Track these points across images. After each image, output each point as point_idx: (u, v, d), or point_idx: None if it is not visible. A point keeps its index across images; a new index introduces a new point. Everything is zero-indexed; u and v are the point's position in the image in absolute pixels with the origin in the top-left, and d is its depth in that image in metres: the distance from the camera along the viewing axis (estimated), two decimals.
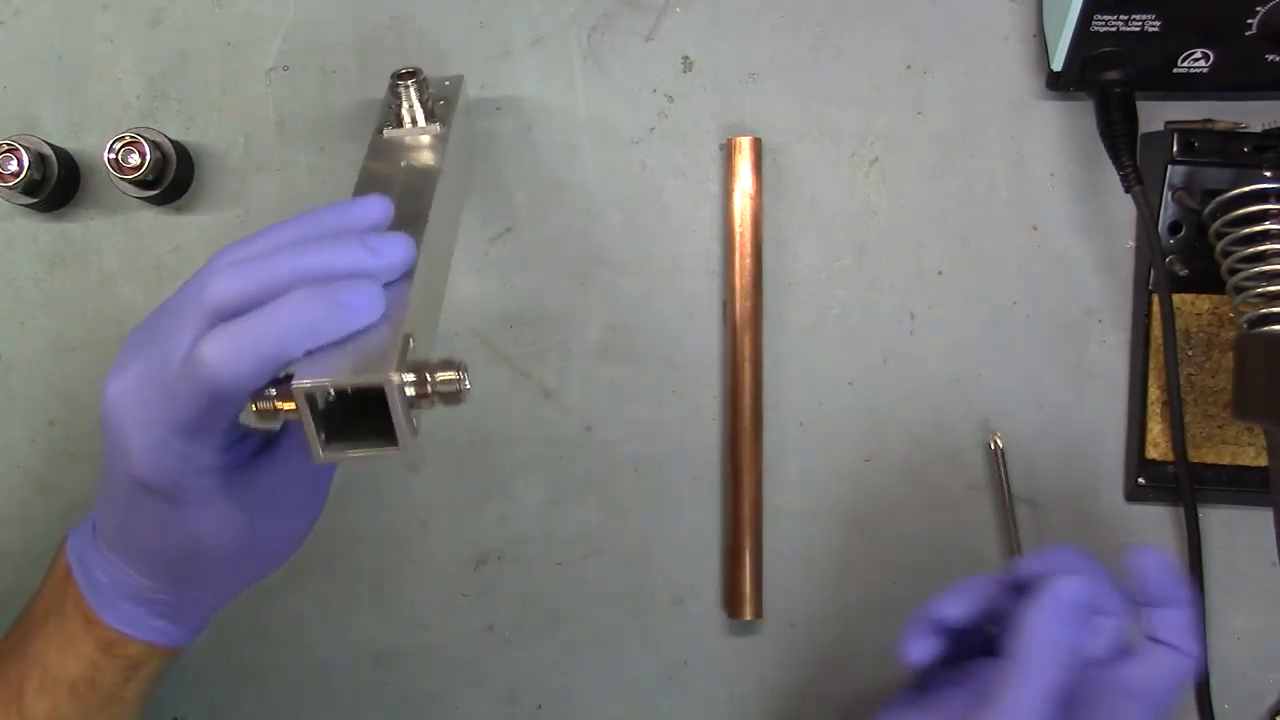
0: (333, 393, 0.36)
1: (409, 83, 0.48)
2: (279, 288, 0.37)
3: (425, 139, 0.48)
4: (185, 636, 0.45)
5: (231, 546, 0.41)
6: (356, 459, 0.37)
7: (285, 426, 0.42)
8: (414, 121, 0.48)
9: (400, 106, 0.48)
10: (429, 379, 0.37)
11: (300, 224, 0.40)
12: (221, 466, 0.39)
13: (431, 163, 0.47)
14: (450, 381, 0.37)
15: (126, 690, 0.44)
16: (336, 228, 0.40)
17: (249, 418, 0.38)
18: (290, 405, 0.36)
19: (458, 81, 0.52)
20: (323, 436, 0.36)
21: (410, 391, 0.36)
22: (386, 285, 0.39)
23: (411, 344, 0.38)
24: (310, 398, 0.35)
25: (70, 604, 0.43)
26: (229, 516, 0.40)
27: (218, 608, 0.45)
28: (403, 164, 0.47)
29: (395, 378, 0.35)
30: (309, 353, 0.36)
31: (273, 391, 0.37)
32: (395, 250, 0.39)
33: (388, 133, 0.49)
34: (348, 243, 0.38)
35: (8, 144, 0.52)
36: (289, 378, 0.37)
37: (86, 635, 0.42)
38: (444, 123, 0.49)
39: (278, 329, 0.36)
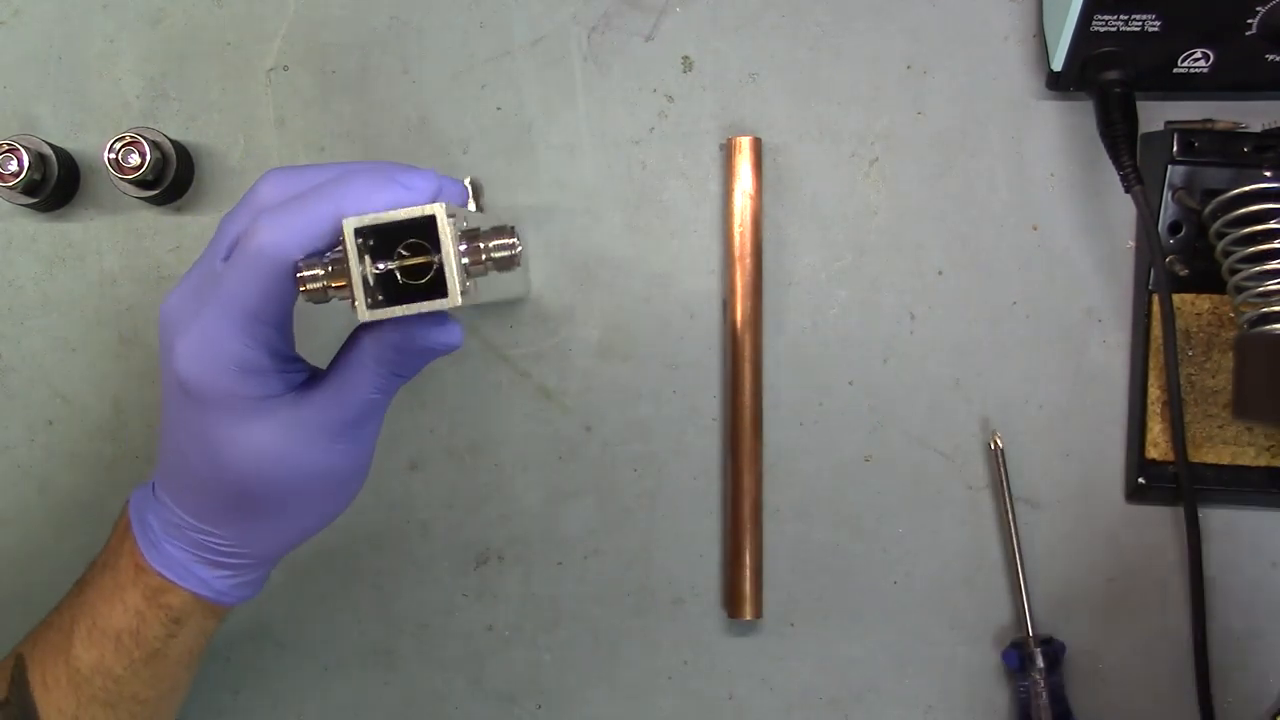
0: (381, 269, 0.35)
1: (464, 183, 0.50)
2: (332, 178, 0.37)
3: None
4: (227, 595, 0.44)
5: (272, 477, 0.40)
6: (403, 315, 0.35)
7: (336, 355, 0.41)
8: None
9: None
10: (482, 246, 0.36)
11: (356, 162, 0.40)
12: (268, 375, 0.39)
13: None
14: (503, 245, 0.36)
15: (170, 647, 0.44)
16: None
17: (299, 313, 0.38)
18: (340, 282, 0.35)
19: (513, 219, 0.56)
20: (368, 300, 0.35)
21: (465, 259, 0.36)
22: None
23: (463, 221, 0.37)
24: (360, 267, 0.34)
25: (125, 555, 0.43)
26: (270, 439, 0.39)
27: (260, 566, 0.45)
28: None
29: (443, 208, 0.34)
30: None
31: (321, 270, 0.36)
32: (452, 186, 0.39)
33: None
34: (404, 166, 0.38)
35: (8, 144, 0.52)
36: (339, 263, 0.36)
37: (135, 584, 0.43)
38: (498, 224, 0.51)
39: (329, 197, 0.36)
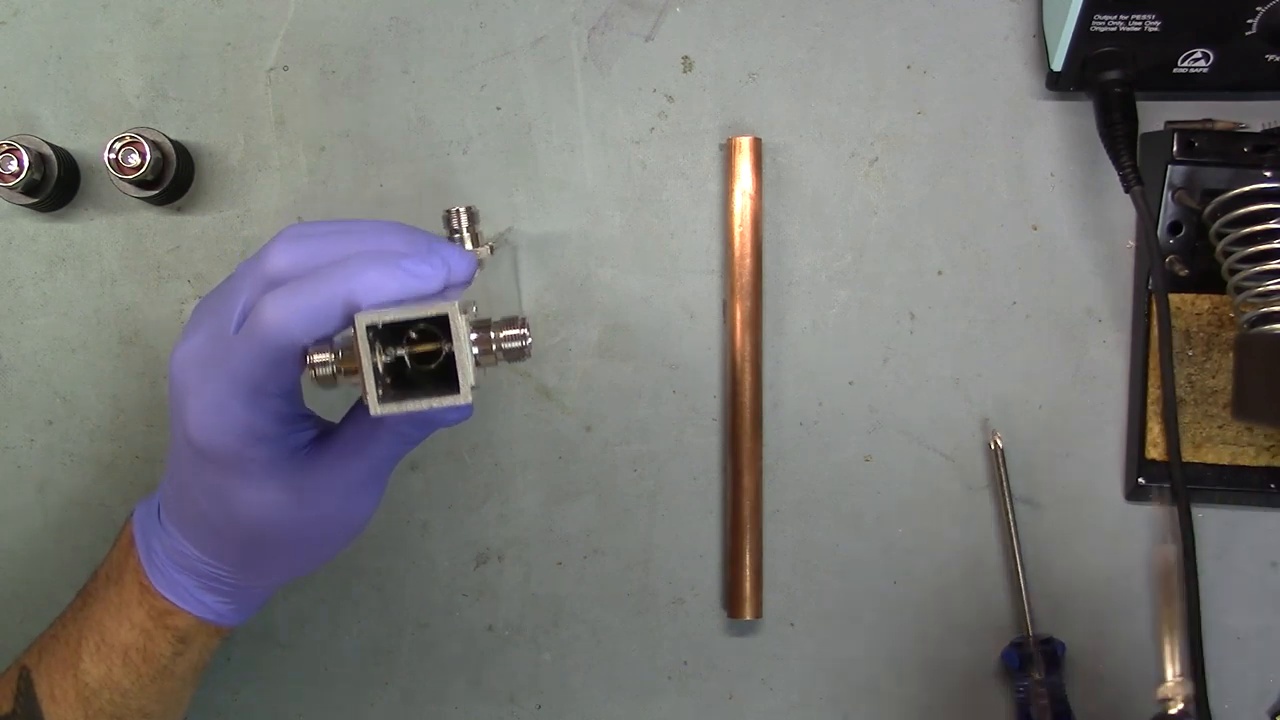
0: (390, 356, 0.36)
1: (460, 210, 0.49)
2: (341, 259, 0.37)
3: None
4: (231, 617, 0.45)
5: (281, 529, 0.41)
6: (414, 410, 0.35)
7: (346, 416, 0.42)
8: (464, 246, 0.49)
9: (451, 234, 0.49)
10: (492, 336, 0.37)
11: (367, 221, 0.40)
12: (277, 439, 0.39)
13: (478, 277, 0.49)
14: (515, 337, 0.37)
15: (177, 665, 0.45)
16: (408, 228, 0.40)
17: (308, 384, 0.38)
18: (350, 367, 0.36)
19: (512, 233, 0.55)
20: (379, 391, 0.35)
21: (475, 350, 0.36)
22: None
23: (474, 310, 0.37)
24: (372, 361, 0.35)
25: (129, 572, 0.44)
26: (280, 497, 0.40)
27: (264, 592, 0.46)
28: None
29: (457, 307, 0.35)
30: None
31: (331, 356, 0.36)
32: (460, 261, 0.39)
33: None
34: (415, 238, 0.39)
35: (8, 144, 0.52)
36: (349, 348, 0.36)
37: (141, 603, 0.43)
38: (493, 246, 0.50)
39: (338, 284, 0.36)
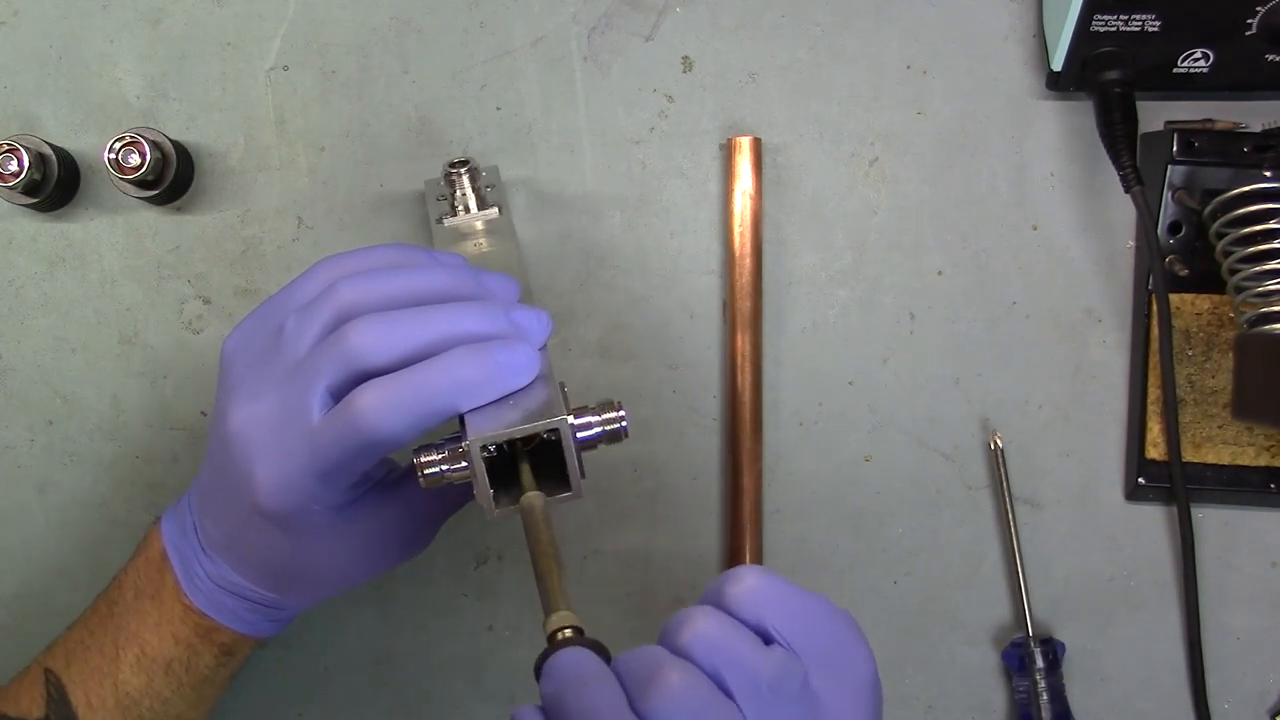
0: (493, 451, 0.37)
1: (462, 171, 0.49)
2: (430, 349, 0.37)
3: (480, 224, 0.50)
4: (275, 629, 0.47)
5: (338, 567, 0.43)
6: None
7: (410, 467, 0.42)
8: (468, 209, 0.50)
9: (454, 196, 0.50)
10: (592, 421, 0.38)
11: (436, 272, 0.40)
12: (348, 501, 0.41)
13: (501, 244, 0.49)
14: (614, 419, 0.38)
15: (219, 674, 0.46)
16: (474, 287, 0.40)
17: (417, 482, 0.39)
18: (457, 465, 0.37)
19: (494, 171, 0.54)
20: (492, 493, 0.37)
21: (580, 434, 0.37)
22: None
23: (565, 391, 0.38)
24: (485, 474, 0.36)
25: (167, 590, 0.44)
26: (342, 546, 0.42)
27: (310, 606, 0.47)
28: (471, 247, 0.49)
29: (570, 419, 0.36)
30: (466, 414, 0.37)
31: (439, 456, 0.38)
32: (539, 327, 0.40)
33: (448, 222, 0.50)
34: (494, 313, 0.39)
35: (8, 144, 0.52)
36: (449, 440, 0.38)
37: (184, 621, 0.44)
38: (501, 206, 0.50)
39: (436, 387, 0.36)
